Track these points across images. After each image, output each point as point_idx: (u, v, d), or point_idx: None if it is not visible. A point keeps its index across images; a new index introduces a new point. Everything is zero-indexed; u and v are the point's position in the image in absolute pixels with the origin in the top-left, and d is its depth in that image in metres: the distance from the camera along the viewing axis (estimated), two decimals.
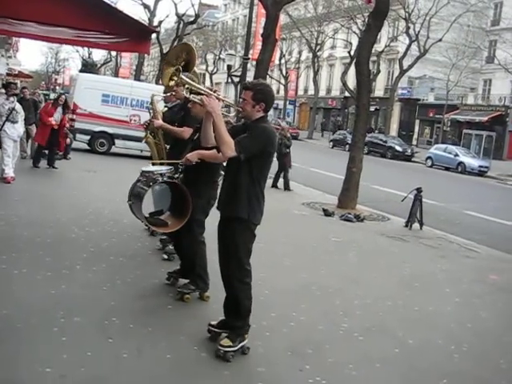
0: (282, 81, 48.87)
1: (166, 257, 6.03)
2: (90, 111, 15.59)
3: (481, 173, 28.23)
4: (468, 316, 5.50)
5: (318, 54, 44.92)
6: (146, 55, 35.76)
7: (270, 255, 6.53)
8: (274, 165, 12.73)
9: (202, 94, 3.87)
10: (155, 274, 5.47)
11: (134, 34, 7.35)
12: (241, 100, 4.00)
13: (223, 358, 3.81)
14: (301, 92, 55.94)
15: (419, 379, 4.01)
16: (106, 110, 15.82)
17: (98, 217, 7.71)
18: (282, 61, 47.13)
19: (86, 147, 16.03)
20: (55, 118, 11.55)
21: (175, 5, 37.82)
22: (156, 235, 6.68)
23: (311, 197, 12.53)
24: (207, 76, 54.66)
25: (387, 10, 11.60)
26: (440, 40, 35.50)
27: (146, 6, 39.58)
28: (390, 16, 26.39)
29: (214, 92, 3.94)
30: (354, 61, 14.41)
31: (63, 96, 12.50)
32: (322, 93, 50.78)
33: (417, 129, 43.82)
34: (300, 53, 50.64)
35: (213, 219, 4.45)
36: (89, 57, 64.59)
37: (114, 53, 53.67)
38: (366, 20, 15.51)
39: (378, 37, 13.11)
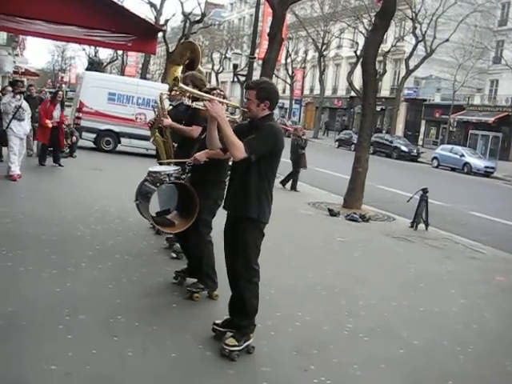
0: (288, 80, 48.83)
1: (174, 255, 6.00)
2: (96, 109, 15.60)
3: (487, 173, 28.13)
4: (473, 317, 5.48)
5: (324, 53, 44.87)
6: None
7: (276, 254, 6.52)
8: (289, 165, 12.79)
9: (205, 100, 3.85)
10: (161, 272, 5.47)
11: (141, 33, 7.38)
12: (245, 100, 3.99)
13: (228, 357, 3.81)
14: (307, 91, 55.91)
15: (424, 380, 4.00)
16: (112, 108, 15.81)
17: (103, 215, 7.72)
18: (288, 60, 47.07)
19: (92, 145, 16.05)
20: (54, 116, 11.58)
21: (181, 3, 37.87)
22: (161, 234, 6.67)
23: (317, 196, 12.51)
24: (213, 75, 54.72)
25: (394, 10, 11.57)
26: (447, 40, 35.33)
27: (152, 5, 39.62)
28: (397, 16, 26.29)
29: (215, 91, 3.90)
30: (361, 60, 14.38)
31: (60, 92, 12.50)
32: (328, 92, 50.68)
33: (423, 129, 43.65)
34: (306, 52, 50.69)
35: (220, 219, 4.45)
36: (95, 55, 64.76)
37: (120, 51, 53.76)
38: (373, 20, 15.49)
39: (385, 37, 13.05)
